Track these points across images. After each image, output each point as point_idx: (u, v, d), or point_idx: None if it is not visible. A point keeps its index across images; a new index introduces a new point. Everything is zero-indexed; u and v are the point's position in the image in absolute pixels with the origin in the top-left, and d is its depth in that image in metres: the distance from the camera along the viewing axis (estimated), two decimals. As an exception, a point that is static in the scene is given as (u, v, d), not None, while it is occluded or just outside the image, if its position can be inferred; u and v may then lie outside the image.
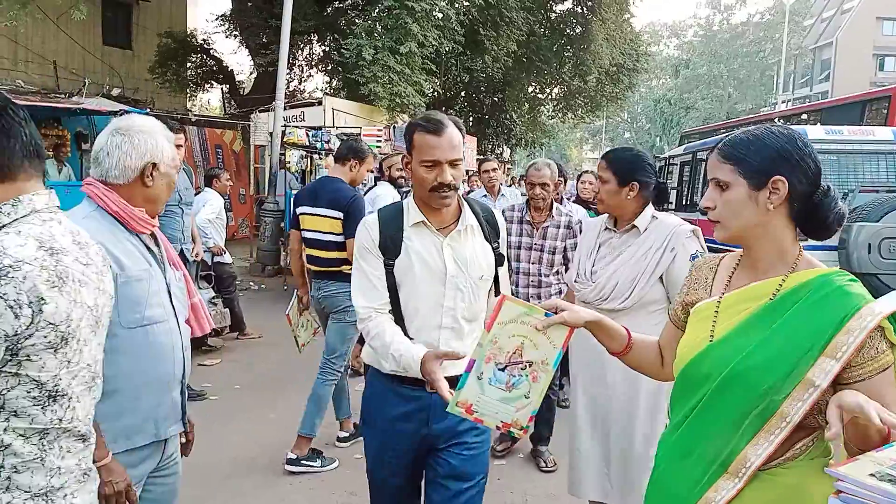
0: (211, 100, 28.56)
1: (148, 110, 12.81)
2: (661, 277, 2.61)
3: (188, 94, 20.69)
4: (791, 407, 1.46)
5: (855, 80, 40.28)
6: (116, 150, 1.98)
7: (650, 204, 2.75)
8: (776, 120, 11.86)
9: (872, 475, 1.03)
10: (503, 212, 4.03)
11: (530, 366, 1.79)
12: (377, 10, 12.76)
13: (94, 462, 1.76)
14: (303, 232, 4.25)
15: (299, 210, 4.29)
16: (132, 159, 1.98)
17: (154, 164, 2.00)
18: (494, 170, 5.97)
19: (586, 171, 6.59)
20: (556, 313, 1.74)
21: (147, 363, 1.95)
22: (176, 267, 2.21)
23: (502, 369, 1.78)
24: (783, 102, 38.40)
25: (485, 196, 5.83)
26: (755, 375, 1.49)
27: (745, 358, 1.51)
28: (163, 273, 2.06)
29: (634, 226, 2.70)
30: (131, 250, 1.96)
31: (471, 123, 20.69)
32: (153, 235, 2.15)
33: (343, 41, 12.82)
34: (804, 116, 10.81)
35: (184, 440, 2.28)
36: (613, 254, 2.73)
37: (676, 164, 7.65)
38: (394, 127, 9.85)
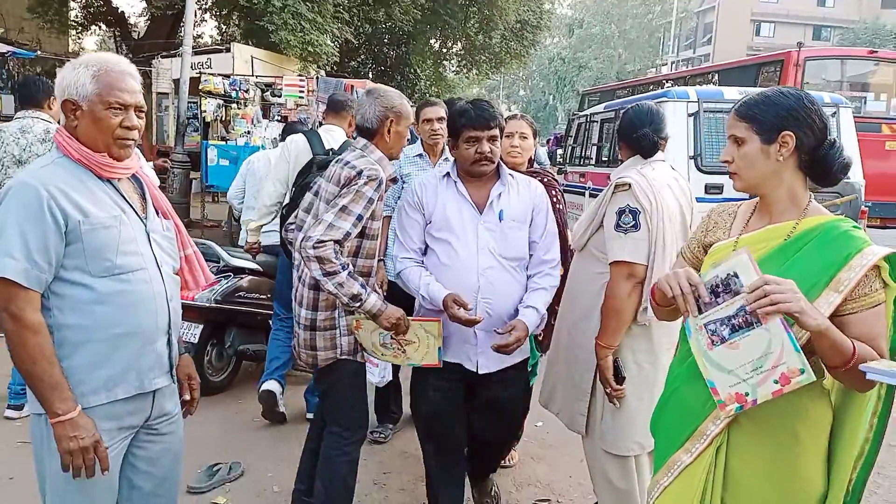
0: (90, 44, 26.54)
1: (37, 52, 11.90)
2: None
3: (73, 37, 19.20)
4: (798, 332, 1.68)
5: (734, 45, 42.62)
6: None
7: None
8: (664, 82, 12.46)
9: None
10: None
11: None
12: (287, -46, 12.25)
13: (59, 415, 1.78)
14: None
15: None
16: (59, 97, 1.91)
17: (72, 102, 1.87)
18: (441, 119, 3.83)
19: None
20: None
21: (124, 313, 1.89)
22: (165, 216, 2.13)
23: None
24: (671, 63, 40.07)
25: (419, 157, 3.97)
26: None
27: None
28: (142, 220, 1.99)
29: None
30: (100, 197, 1.89)
31: (371, 77, 20.38)
32: (138, 182, 2.08)
33: (251, -15, 12.28)
34: (711, 77, 11.41)
35: (187, 397, 2.21)
36: None
37: (597, 122, 7.96)
38: (317, 78, 9.60)
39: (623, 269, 2.54)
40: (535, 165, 3.73)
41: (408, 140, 3.02)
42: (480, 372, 2.74)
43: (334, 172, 2.67)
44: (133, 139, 1.93)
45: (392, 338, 2.66)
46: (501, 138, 2.83)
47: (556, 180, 3.77)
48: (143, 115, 1.96)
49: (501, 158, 3.88)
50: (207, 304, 4.36)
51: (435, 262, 2.76)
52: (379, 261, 3.10)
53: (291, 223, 2.96)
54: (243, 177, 5.42)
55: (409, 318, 2.66)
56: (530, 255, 2.82)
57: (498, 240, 2.71)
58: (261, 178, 5.01)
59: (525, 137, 3.47)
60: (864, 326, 1.64)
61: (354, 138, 2.81)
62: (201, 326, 4.39)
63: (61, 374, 1.80)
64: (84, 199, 1.84)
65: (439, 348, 2.67)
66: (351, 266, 2.54)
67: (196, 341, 4.35)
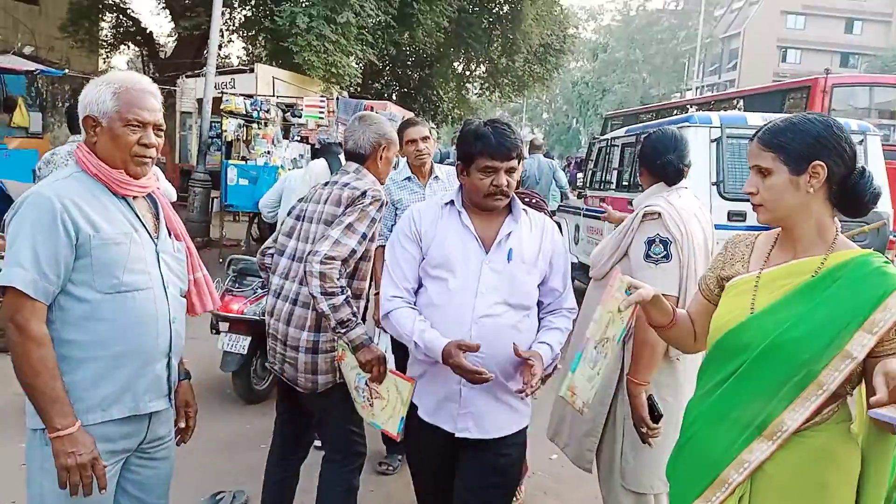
0: (119, 63, 27.04)
1: (66, 71, 12.10)
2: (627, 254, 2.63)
3: (103, 56, 19.54)
4: (828, 377, 1.58)
5: (760, 70, 42.42)
6: None
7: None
8: (688, 107, 12.35)
9: None
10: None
11: (607, 342, 1.81)
12: (312, -23, 12.41)
13: (58, 430, 1.77)
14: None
15: None
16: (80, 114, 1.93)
17: (92, 119, 1.89)
18: (426, 139, 3.82)
19: None
20: (631, 290, 1.84)
21: (126, 331, 1.87)
22: (178, 237, 2.13)
23: (595, 347, 1.80)
24: (696, 89, 39.92)
25: (407, 179, 3.88)
26: (796, 346, 1.60)
27: (786, 330, 1.62)
28: (153, 240, 1.98)
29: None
30: (113, 213, 1.89)
31: (395, 98, 20.52)
32: (153, 202, 2.07)
33: (276, 7, 12.41)
34: (736, 102, 11.27)
35: (182, 425, 2.20)
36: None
37: (618, 146, 7.86)
38: (337, 99, 9.63)
39: None
40: (524, 188, 3.69)
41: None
42: (460, 436, 2.29)
43: (332, 194, 2.67)
44: (151, 157, 1.95)
45: (367, 383, 2.50)
46: (520, 165, 2.41)
47: (545, 202, 3.65)
48: (161, 133, 1.98)
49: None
50: (255, 318, 4.50)
51: (425, 302, 2.32)
52: (375, 294, 2.99)
53: (269, 248, 2.90)
54: (278, 191, 5.68)
55: (389, 369, 2.46)
56: (548, 303, 2.43)
57: (504, 283, 2.27)
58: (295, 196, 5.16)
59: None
60: None
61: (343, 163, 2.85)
62: (249, 338, 4.55)
63: (62, 389, 1.79)
64: (96, 214, 1.85)
65: (402, 418, 2.37)
66: (348, 290, 2.51)
67: (245, 352, 4.54)
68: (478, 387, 2.22)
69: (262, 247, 2.97)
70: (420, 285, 2.36)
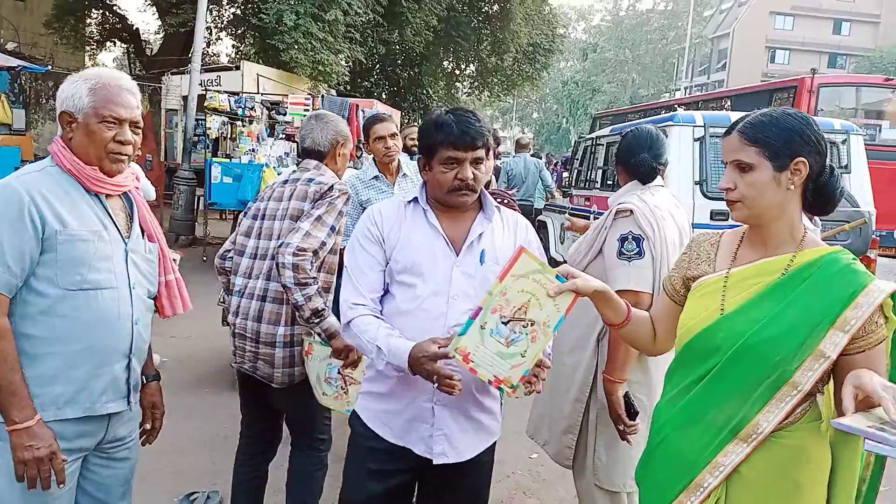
0: (106, 60, 26.86)
1: (49, 67, 11.97)
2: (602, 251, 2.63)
3: (89, 53, 19.38)
4: (802, 376, 1.56)
5: (749, 71, 42.63)
6: None
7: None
8: (676, 107, 12.38)
9: (870, 426, 1.32)
10: None
11: (532, 325, 1.79)
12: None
13: (16, 423, 1.76)
14: None
15: None
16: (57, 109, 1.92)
17: (68, 114, 1.88)
18: (394, 136, 3.73)
19: None
20: (567, 278, 1.79)
21: (85, 329, 1.85)
22: (151, 238, 2.10)
23: (505, 323, 1.77)
24: (685, 89, 40.05)
25: (375, 178, 3.80)
26: (768, 347, 1.57)
27: (759, 330, 1.59)
28: (123, 239, 1.95)
29: None
30: (83, 210, 1.86)
31: (384, 97, 20.47)
32: (128, 200, 2.05)
33: (262, 5, 12.32)
34: (724, 102, 11.31)
35: (148, 426, 2.19)
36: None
37: (603, 145, 7.85)
38: (323, 96, 9.57)
39: (629, 297, 2.39)
40: (494, 186, 3.64)
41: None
42: (437, 462, 2.04)
43: (296, 190, 2.71)
44: (126, 154, 1.92)
45: (339, 372, 2.54)
46: (488, 157, 2.17)
47: (514, 200, 3.70)
48: (139, 131, 1.95)
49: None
50: None
51: (392, 310, 2.07)
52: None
53: (229, 250, 2.89)
54: None
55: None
56: None
57: (477, 287, 2.02)
58: None
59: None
60: (870, 365, 1.51)
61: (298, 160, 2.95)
62: None
63: (22, 382, 1.78)
64: (65, 210, 1.82)
65: None
66: (320, 281, 2.57)
67: None
68: (451, 405, 2.01)
69: (220, 251, 2.94)
70: (386, 292, 2.11)
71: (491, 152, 2.83)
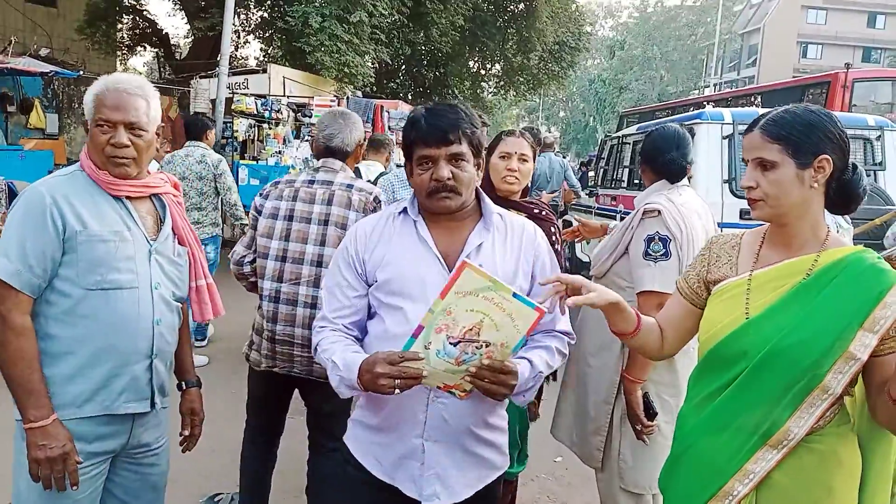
0: (136, 65, 27.24)
1: (81, 72, 12.17)
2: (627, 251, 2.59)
3: (120, 57, 19.69)
4: (833, 380, 1.51)
5: (780, 66, 41.90)
6: None
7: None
8: (705, 104, 12.20)
9: None
10: None
11: (486, 346, 1.62)
12: (324, -24, 12.37)
13: (32, 421, 1.78)
14: None
15: None
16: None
17: (85, 121, 1.94)
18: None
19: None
20: (582, 291, 1.66)
21: (104, 329, 1.86)
22: (181, 242, 2.11)
23: (454, 344, 1.60)
24: (714, 86, 39.53)
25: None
26: (798, 351, 1.53)
27: (787, 335, 1.55)
28: (148, 241, 1.96)
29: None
30: (105, 212, 1.89)
31: (410, 97, 20.49)
32: (160, 203, 2.06)
33: (288, 8, 12.40)
34: (754, 98, 11.13)
35: (187, 433, 2.20)
36: None
37: (629, 144, 7.77)
38: (348, 98, 9.61)
39: (653, 299, 2.38)
40: (532, 194, 3.48)
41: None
42: None
43: (333, 194, 2.68)
44: (126, 157, 1.90)
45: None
46: (481, 157, 1.89)
47: (553, 212, 3.15)
48: (142, 134, 1.91)
49: (493, 185, 2.89)
50: None
51: (379, 333, 1.83)
52: None
53: (243, 255, 2.83)
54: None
55: None
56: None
57: None
58: None
59: (525, 160, 2.82)
60: None
61: (315, 160, 2.93)
62: None
63: (40, 381, 1.81)
64: (87, 212, 1.85)
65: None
66: None
67: None
68: (444, 441, 1.79)
69: (236, 256, 2.86)
70: (373, 313, 1.89)
71: (531, 152, 2.78)
